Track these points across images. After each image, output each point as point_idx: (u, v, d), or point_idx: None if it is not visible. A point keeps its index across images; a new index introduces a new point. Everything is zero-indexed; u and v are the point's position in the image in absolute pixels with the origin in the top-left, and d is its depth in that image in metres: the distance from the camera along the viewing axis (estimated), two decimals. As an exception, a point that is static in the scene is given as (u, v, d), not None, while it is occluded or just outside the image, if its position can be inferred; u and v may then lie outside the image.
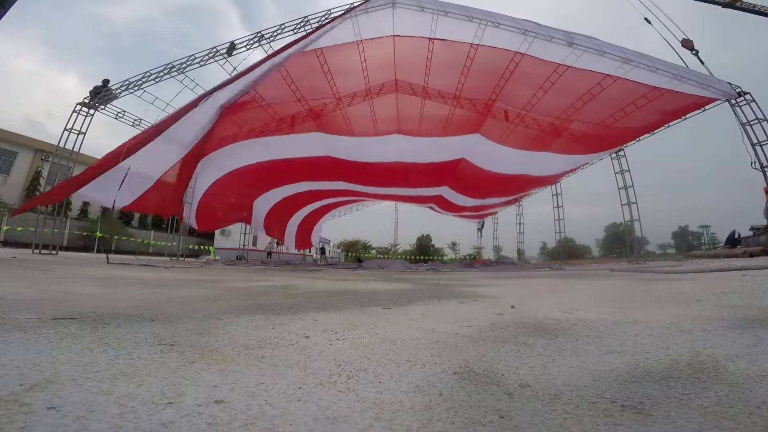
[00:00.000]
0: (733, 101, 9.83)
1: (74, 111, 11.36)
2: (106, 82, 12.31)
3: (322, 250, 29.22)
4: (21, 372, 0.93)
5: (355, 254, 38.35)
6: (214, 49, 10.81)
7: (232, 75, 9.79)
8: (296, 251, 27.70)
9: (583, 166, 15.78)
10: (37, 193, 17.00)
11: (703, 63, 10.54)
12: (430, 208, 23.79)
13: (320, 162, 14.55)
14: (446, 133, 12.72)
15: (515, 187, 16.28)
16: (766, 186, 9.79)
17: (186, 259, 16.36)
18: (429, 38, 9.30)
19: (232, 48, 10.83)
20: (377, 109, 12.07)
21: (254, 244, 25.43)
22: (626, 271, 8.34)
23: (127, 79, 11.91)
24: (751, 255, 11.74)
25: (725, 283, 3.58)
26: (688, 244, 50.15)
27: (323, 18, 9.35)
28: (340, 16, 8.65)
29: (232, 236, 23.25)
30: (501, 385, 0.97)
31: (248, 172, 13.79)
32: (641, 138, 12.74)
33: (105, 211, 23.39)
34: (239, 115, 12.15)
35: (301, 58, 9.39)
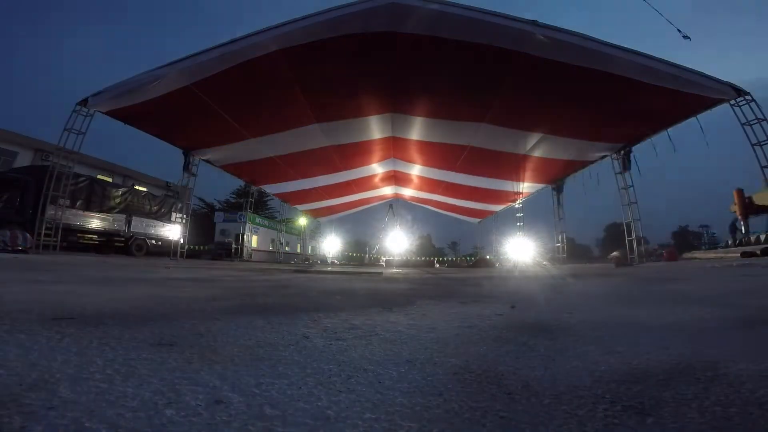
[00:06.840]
0: (733, 101, 9.82)
1: (74, 111, 11.31)
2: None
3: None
4: (20, 372, 0.93)
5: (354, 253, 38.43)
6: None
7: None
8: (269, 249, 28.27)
9: (585, 167, 15.76)
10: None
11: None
12: (434, 201, 23.94)
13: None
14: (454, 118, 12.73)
15: (521, 168, 16.31)
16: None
17: (185, 258, 16.44)
18: (429, 35, 9.29)
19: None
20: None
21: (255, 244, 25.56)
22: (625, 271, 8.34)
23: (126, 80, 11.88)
24: (752, 254, 11.74)
25: (725, 283, 3.57)
26: (688, 244, 50.08)
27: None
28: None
29: (231, 236, 23.28)
30: (501, 385, 0.97)
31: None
32: (642, 139, 12.71)
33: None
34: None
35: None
